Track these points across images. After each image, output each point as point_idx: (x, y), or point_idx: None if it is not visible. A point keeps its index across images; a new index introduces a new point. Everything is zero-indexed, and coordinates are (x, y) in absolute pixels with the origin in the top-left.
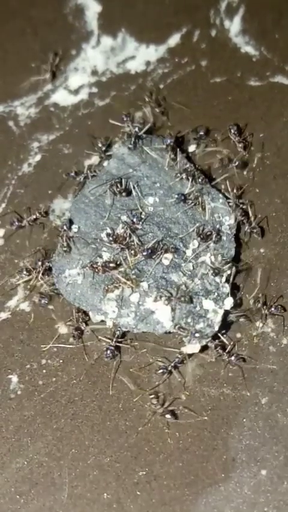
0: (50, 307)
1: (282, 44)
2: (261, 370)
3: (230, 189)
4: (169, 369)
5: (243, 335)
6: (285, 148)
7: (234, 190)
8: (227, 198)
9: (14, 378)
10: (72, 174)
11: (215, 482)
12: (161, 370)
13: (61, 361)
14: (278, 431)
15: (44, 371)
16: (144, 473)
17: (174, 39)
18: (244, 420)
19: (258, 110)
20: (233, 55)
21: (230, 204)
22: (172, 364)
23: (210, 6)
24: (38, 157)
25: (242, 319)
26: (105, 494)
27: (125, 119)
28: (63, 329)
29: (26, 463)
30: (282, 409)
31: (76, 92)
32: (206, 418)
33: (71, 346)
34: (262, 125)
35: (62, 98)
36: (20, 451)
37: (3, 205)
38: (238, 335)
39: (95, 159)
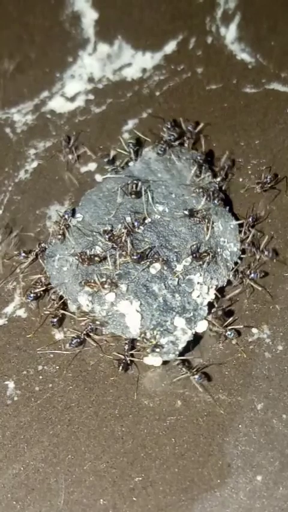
0: (46, 312)
1: (277, 51)
2: (256, 376)
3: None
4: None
5: (238, 341)
6: (281, 155)
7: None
8: (241, 225)
9: (11, 384)
10: (107, 159)
11: (211, 488)
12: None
13: (57, 367)
14: (273, 437)
15: (41, 377)
16: (140, 479)
17: (170, 47)
18: (240, 426)
19: (253, 116)
20: (228, 62)
21: (240, 230)
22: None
23: (206, 13)
24: (34, 164)
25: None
26: (101, 500)
27: (168, 126)
28: (59, 335)
29: (22, 469)
30: (278, 415)
31: (72, 99)
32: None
33: (67, 352)
34: (258, 131)
35: (58, 105)
36: (17, 457)
37: (0, 211)
38: (233, 341)
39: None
